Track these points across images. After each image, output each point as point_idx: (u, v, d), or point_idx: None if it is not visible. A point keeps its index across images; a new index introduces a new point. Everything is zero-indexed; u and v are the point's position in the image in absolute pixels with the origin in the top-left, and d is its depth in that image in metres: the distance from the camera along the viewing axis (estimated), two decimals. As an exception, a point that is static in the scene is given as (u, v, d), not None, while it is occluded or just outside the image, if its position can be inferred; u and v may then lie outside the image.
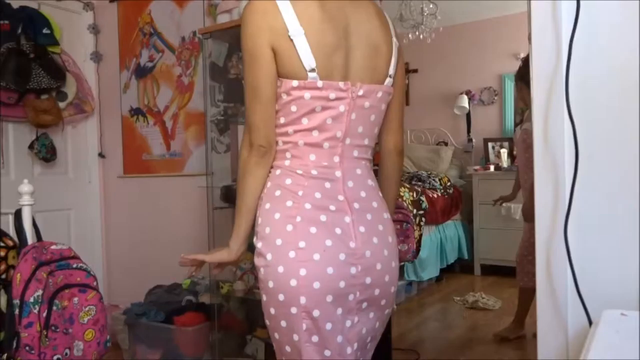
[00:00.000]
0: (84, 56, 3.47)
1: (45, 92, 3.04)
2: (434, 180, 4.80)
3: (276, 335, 1.20)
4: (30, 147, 3.10)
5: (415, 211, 4.08)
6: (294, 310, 1.12)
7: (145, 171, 3.33)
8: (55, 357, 1.68)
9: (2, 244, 1.79)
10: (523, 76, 3.13)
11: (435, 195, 4.57)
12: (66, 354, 1.71)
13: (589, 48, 1.16)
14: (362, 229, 1.18)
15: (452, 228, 4.90)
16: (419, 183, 4.71)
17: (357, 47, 1.19)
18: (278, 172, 1.20)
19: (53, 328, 1.69)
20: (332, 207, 1.16)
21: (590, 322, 1.09)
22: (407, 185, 4.37)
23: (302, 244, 1.12)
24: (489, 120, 5.51)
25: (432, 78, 5.77)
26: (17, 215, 1.87)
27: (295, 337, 1.14)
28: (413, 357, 2.88)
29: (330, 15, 1.16)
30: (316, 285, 1.11)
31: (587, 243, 1.16)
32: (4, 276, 1.77)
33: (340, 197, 1.18)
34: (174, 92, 3.19)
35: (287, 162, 1.20)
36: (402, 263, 3.85)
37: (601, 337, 0.88)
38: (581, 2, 1.13)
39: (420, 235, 4.08)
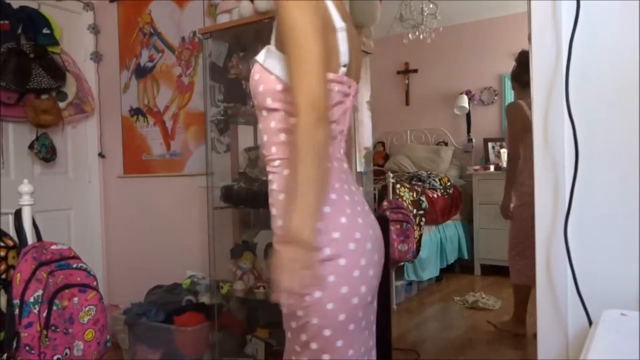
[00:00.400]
0: (84, 56, 3.47)
1: (45, 92, 3.04)
2: (434, 180, 4.80)
3: (326, 332, 1.13)
4: (30, 147, 3.10)
5: (415, 211, 4.09)
6: (355, 300, 1.14)
7: (145, 171, 3.33)
8: (55, 357, 1.68)
9: (2, 244, 1.79)
10: (516, 75, 3.14)
11: (435, 195, 4.57)
12: (66, 354, 1.71)
13: (589, 48, 1.16)
14: (372, 215, 1.26)
15: (452, 228, 4.90)
16: (419, 183, 4.71)
17: (354, 50, 1.24)
18: None
19: (53, 328, 1.69)
20: (356, 198, 1.22)
21: (590, 322, 1.09)
22: (407, 185, 4.37)
23: (358, 235, 1.15)
24: (489, 120, 5.51)
25: (432, 78, 5.77)
26: (17, 215, 1.87)
27: (351, 327, 1.15)
28: (413, 357, 2.88)
29: (348, 16, 1.24)
30: (371, 272, 1.17)
31: (587, 243, 1.16)
32: (4, 276, 1.77)
33: (353, 188, 1.24)
34: (174, 92, 3.19)
35: None
36: (402, 263, 3.85)
37: (601, 337, 0.88)
38: (581, 2, 1.13)
39: (420, 235, 4.09)
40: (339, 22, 1.17)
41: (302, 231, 1.02)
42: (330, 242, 1.10)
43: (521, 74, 3.02)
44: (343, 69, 1.19)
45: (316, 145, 1.04)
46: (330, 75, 1.15)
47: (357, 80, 1.30)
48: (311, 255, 1.05)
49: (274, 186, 1.20)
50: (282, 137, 1.17)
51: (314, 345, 1.12)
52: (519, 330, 3.17)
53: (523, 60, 2.99)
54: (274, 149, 1.19)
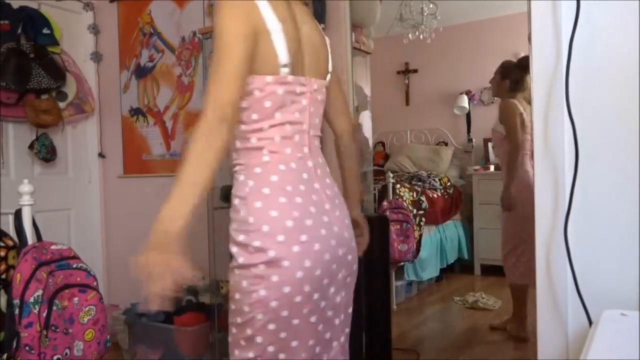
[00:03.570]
0: (84, 56, 3.47)
1: (45, 92, 3.04)
2: (434, 180, 4.80)
3: (271, 327, 1.18)
4: (30, 147, 3.10)
5: (415, 211, 4.09)
6: (298, 299, 1.18)
7: (145, 171, 3.33)
8: (55, 357, 1.68)
9: (2, 244, 1.79)
10: (512, 75, 3.22)
11: (435, 195, 4.57)
12: (66, 354, 1.71)
13: (589, 48, 1.16)
14: (337, 212, 1.29)
15: (452, 228, 4.90)
16: (419, 183, 4.71)
17: (306, 45, 1.28)
18: (258, 170, 1.21)
19: (53, 328, 1.69)
20: (315, 197, 1.25)
21: (590, 322, 1.09)
22: (407, 185, 4.37)
23: (304, 238, 1.19)
24: (489, 120, 5.49)
25: (432, 78, 5.77)
26: (17, 215, 1.87)
27: (296, 322, 1.22)
28: (413, 357, 2.88)
29: (292, 13, 1.25)
30: (317, 272, 1.21)
31: (587, 243, 1.17)
32: (4, 276, 1.77)
33: (317, 186, 1.27)
34: (174, 92, 3.19)
35: (266, 159, 1.22)
36: (402, 263, 3.85)
37: (601, 337, 0.88)
38: (581, 2, 1.13)
39: (420, 235, 4.09)
40: (273, 23, 1.18)
41: (165, 224, 1.07)
42: (274, 245, 1.16)
43: (517, 75, 3.13)
44: (284, 69, 1.20)
45: (209, 151, 1.06)
46: (268, 78, 1.18)
47: (322, 75, 1.33)
48: (170, 256, 1.05)
49: (232, 190, 1.25)
50: (238, 143, 1.23)
51: (259, 339, 1.19)
52: (519, 333, 3.15)
53: (524, 64, 3.04)
54: (234, 155, 1.25)
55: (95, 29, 3.50)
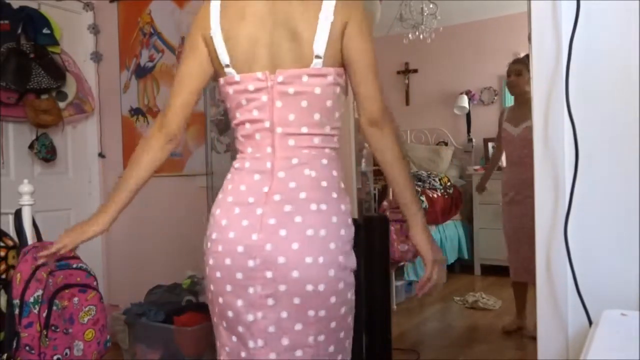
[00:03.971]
0: (84, 56, 3.47)
1: (45, 92, 3.04)
2: (434, 180, 4.80)
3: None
4: (30, 147, 3.10)
5: (415, 211, 4.08)
6: (209, 295, 1.26)
7: (145, 171, 3.33)
8: (55, 357, 1.68)
9: (2, 244, 1.79)
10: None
11: (435, 195, 4.57)
12: (66, 354, 1.71)
13: (589, 48, 1.16)
14: (272, 221, 1.13)
15: (452, 228, 4.90)
16: (419, 183, 4.71)
17: (277, 35, 1.16)
18: (230, 168, 1.30)
19: (53, 328, 1.69)
20: (251, 200, 1.17)
21: (590, 322, 1.09)
22: (407, 185, 4.37)
23: (214, 236, 1.21)
24: (489, 120, 5.50)
25: (432, 78, 5.77)
26: (17, 215, 1.87)
27: (215, 319, 1.28)
28: (413, 357, 2.88)
29: (256, 10, 1.18)
30: (218, 274, 1.20)
31: (587, 243, 1.16)
32: (4, 276, 1.77)
33: (265, 189, 1.16)
34: (174, 92, 3.19)
35: (237, 156, 1.28)
36: (402, 263, 3.85)
37: (601, 337, 0.88)
38: (581, 2, 1.13)
39: (421, 235, 4.09)
40: (215, 26, 1.20)
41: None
42: (205, 238, 1.25)
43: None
44: (228, 69, 1.20)
45: (139, 154, 1.35)
46: (221, 81, 1.24)
47: (294, 64, 1.15)
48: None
49: None
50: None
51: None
52: (518, 324, 3.21)
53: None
54: None
55: (95, 29, 3.50)
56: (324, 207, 1.15)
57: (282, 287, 1.13)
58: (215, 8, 1.21)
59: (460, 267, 5.04)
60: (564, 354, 1.18)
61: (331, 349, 1.19)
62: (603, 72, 1.15)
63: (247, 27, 1.18)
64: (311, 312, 1.14)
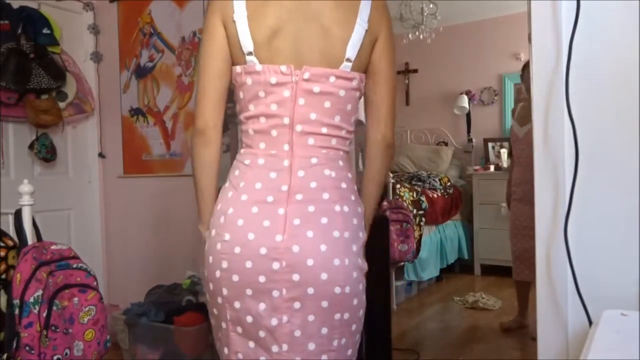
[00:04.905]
0: (84, 56, 3.47)
1: (45, 92, 3.04)
2: (434, 180, 4.80)
3: (212, 321, 1.25)
4: (30, 147, 3.10)
5: (415, 211, 4.08)
6: (219, 300, 1.16)
7: (145, 171, 3.33)
8: (55, 357, 1.68)
9: (2, 244, 1.79)
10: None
11: (435, 195, 4.57)
12: (66, 354, 1.71)
13: (589, 48, 1.16)
14: (296, 221, 1.10)
15: (452, 228, 4.90)
16: (419, 183, 4.71)
17: (306, 30, 1.12)
18: (235, 162, 1.22)
19: (53, 328, 1.69)
20: (270, 199, 1.11)
21: (590, 322, 1.09)
22: (407, 185, 4.37)
23: (227, 237, 1.12)
24: (489, 120, 5.51)
25: (432, 78, 5.77)
26: (17, 215, 1.87)
27: (224, 325, 1.18)
28: (413, 357, 2.88)
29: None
30: (235, 278, 1.11)
31: (587, 243, 1.16)
32: (4, 276, 1.77)
33: (284, 188, 1.12)
34: (174, 92, 3.19)
35: (242, 151, 1.21)
36: (402, 263, 3.85)
37: (601, 337, 0.88)
38: (581, 2, 1.13)
39: (420, 235, 4.09)
40: (238, 12, 1.13)
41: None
42: (209, 239, 1.19)
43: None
44: (249, 57, 1.13)
45: (194, 160, 1.21)
46: (237, 69, 1.16)
47: (322, 63, 1.13)
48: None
49: None
50: None
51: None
52: (520, 323, 3.22)
53: None
54: None
55: (95, 29, 3.50)
56: (346, 208, 1.15)
57: (311, 290, 1.10)
58: None
59: (460, 267, 5.05)
60: (564, 354, 1.18)
61: (349, 352, 1.19)
62: (603, 72, 1.15)
63: (272, 15, 1.12)
64: (337, 316, 1.13)
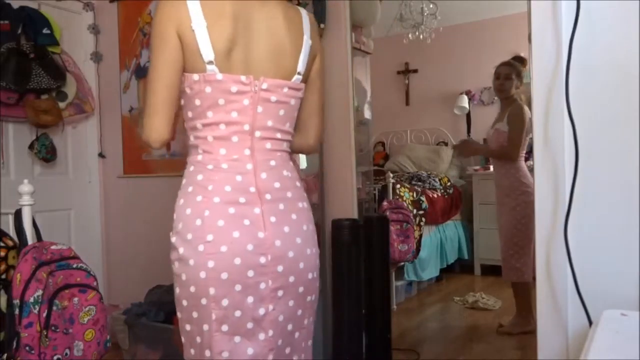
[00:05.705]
0: (84, 56, 3.46)
1: (45, 92, 3.04)
2: (434, 180, 4.80)
3: (187, 327, 1.25)
4: (30, 147, 3.09)
5: (415, 211, 4.08)
6: (204, 301, 1.17)
7: (145, 171, 3.33)
8: (55, 357, 1.68)
9: (2, 244, 1.79)
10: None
11: (435, 195, 4.57)
12: (66, 354, 1.71)
13: (589, 48, 1.16)
14: (272, 219, 1.22)
15: (452, 228, 4.90)
16: (419, 183, 4.71)
17: (259, 44, 1.22)
18: (192, 168, 1.26)
19: (53, 328, 1.69)
20: (242, 200, 1.19)
21: (590, 322, 1.09)
22: (407, 186, 4.37)
23: (209, 237, 1.16)
24: (489, 120, 5.47)
25: (432, 78, 5.77)
26: (17, 215, 1.87)
27: (205, 327, 1.19)
28: (413, 357, 2.88)
29: (233, 12, 1.19)
30: (224, 275, 1.16)
31: (587, 243, 1.17)
32: (4, 276, 1.77)
33: (252, 189, 1.21)
34: (174, 92, 3.19)
35: (199, 157, 1.24)
36: (402, 263, 3.85)
37: (601, 337, 0.88)
38: (581, 2, 1.13)
39: (420, 235, 4.09)
40: (196, 21, 1.15)
41: None
42: (184, 243, 1.20)
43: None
44: (210, 67, 1.16)
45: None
46: (195, 77, 1.18)
47: (276, 74, 1.23)
48: None
49: None
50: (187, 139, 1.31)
51: (182, 339, 1.28)
52: (525, 328, 3.15)
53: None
54: None
55: (95, 29, 3.50)
56: (305, 204, 1.31)
57: (292, 278, 1.24)
58: (193, 4, 1.17)
59: (460, 267, 5.04)
60: (564, 354, 1.19)
61: (312, 327, 1.35)
62: (603, 72, 1.15)
63: (229, 28, 1.18)
64: (308, 298, 1.30)
